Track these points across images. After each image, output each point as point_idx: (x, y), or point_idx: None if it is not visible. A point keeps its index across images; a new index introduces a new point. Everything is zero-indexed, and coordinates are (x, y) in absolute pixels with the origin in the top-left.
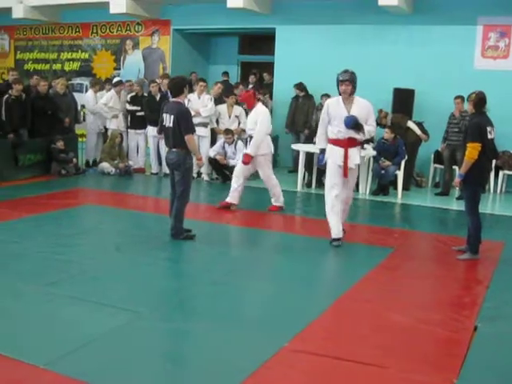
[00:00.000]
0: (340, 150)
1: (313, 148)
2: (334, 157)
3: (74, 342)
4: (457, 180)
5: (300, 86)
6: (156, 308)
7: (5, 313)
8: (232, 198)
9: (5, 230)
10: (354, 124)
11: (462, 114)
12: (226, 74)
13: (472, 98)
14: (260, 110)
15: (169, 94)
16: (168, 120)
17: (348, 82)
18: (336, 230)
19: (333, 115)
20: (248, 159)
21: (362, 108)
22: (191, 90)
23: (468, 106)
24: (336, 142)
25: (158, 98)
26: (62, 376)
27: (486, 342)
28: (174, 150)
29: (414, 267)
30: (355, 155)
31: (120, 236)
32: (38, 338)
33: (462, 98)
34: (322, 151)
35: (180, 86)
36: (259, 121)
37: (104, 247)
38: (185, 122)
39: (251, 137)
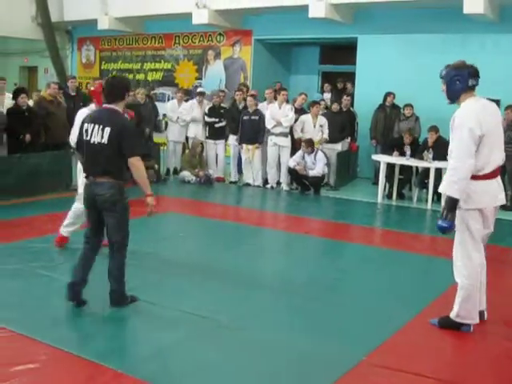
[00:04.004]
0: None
1: (394, 159)
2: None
3: (150, 348)
4: None
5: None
6: (235, 317)
7: (82, 317)
8: None
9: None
10: None
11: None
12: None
13: None
14: None
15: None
16: (96, 134)
17: None
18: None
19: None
20: None
21: None
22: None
23: None
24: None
25: (240, 107)
26: (138, 380)
27: None
28: (102, 180)
29: (499, 282)
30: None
31: (200, 244)
32: (113, 341)
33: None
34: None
35: (120, 88)
36: None
37: (183, 255)
38: (130, 139)
39: None
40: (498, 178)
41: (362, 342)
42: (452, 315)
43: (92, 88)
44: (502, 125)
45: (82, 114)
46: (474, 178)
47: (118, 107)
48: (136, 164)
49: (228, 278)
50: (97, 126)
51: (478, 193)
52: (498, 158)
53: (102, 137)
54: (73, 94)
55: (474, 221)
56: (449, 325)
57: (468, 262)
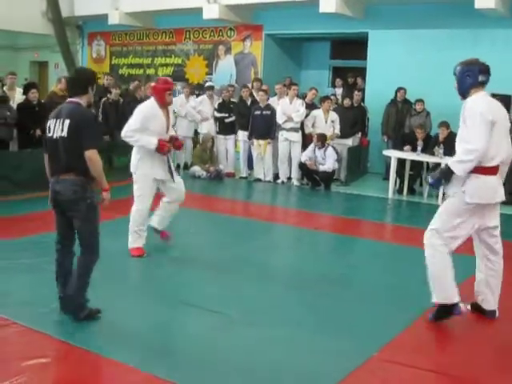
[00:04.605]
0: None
1: (405, 154)
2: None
3: (164, 343)
4: None
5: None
6: (245, 311)
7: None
8: None
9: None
10: None
11: None
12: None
13: None
14: None
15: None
16: (56, 128)
17: None
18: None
19: (498, 123)
20: None
21: None
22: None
23: None
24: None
25: (248, 102)
26: (153, 376)
27: None
28: (65, 177)
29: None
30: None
31: (211, 239)
32: (127, 337)
33: None
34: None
35: (82, 81)
36: None
37: (195, 250)
38: (88, 130)
39: None
40: (499, 176)
41: (372, 337)
42: (433, 300)
43: (153, 84)
44: (509, 124)
45: (144, 107)
46: (481, 171)
47: (82, 101)
48: (92, 157)
49: (238, 273)
50: (58, 121)
51: (483, 188)
52: (504, 152)
53: (62, 130)
54: None
55: (469, 213)
56: (440, 314)
57: (435, 241)
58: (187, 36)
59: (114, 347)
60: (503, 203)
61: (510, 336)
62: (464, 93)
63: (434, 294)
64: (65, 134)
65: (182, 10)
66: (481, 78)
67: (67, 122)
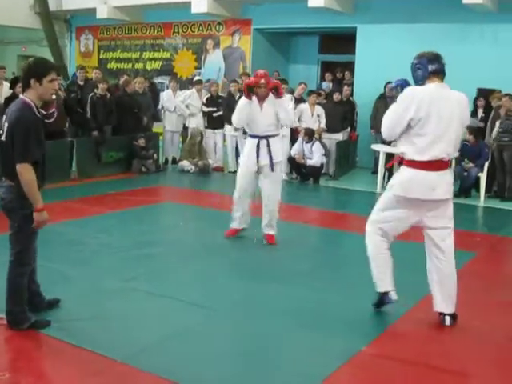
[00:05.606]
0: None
1: (393, 149)
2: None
3: (151, 337)
4: None
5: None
6: (233, 307)
7: (84, 306)
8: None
9: (87, 226)
10: None
11: (509, 113)
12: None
13: None
14: None
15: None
16: (3, 129)
17: None
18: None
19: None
20: None
21: None
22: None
23: None
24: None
25: (237, 97)
26: (139, 370)
27: None
28: (4, 182)
29: (497, 271)
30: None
31: (199, 235)
32: (116, 332)
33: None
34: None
35: (26, 74)
36: None
37: (183, 245)
38: (18, 139)
39: None
40: (442, 173)
41: (361, 332)
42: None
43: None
44: (461, 118)
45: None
46: (411, 164)
47: (29, 96)
48: (22, 173)
49: (226, 268)
50: (4, 121)
51: (410, 181)
52: (441, 149)
53: (3, 132)
54: (81, 83)
55: (401, 205)
56: (378, 301)
57: (370, 230)
58: (176, 30)
59: (101, 344)
60: (491, 197)
61: (499, 330)
62: (420, 85)
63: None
64: (3, 137)
65: (170, 4)
66: (431, 68)
67: (6, 124)
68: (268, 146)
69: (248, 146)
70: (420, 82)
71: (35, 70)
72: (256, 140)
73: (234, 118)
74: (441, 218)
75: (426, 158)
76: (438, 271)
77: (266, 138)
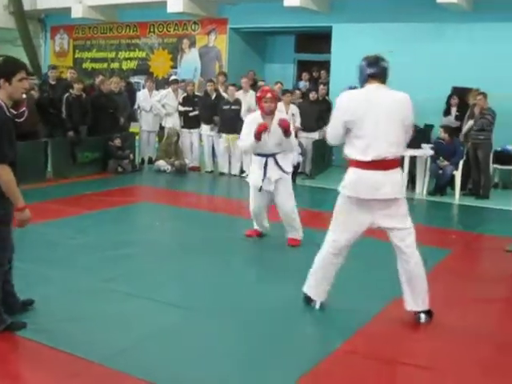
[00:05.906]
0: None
1: None
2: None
3: (128, 338)
4: None
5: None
6: (211, 306)
7: (61, 308)
8: None
9: (63, 227)
10: None
11: (483, 111)
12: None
13: None
14: None
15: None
16: None
17: None
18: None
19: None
20: None
21: None
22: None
23: None
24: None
25: (213, 97)
26: (117, 371)
27: None
28: None
29: (472, 268)
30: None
31: (176, 235)
32: (93, 333)
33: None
34: None
35: None
36: None
37: (160, 245)
38: None
39: None
40: (388, 172)
41: (336, 330)
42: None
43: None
44: (401, 119)
45: (250, 118)
46: (355, 165)
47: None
48: (1, 174)
49: (203, 268)
50: None
51: (356, 182)
52: (382, 148)
53: None
54: (53, 83)
55: (352, 208)
56: (304, 298)
57: (326, 247)
58: (151, 30)
59: (77, 345)
60: (466, 195)
61: (473, 326)
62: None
63: (306, 283)
64: None
65: (145, 4)
66: (369, 71)
67: None
68: (276, 162)
69: (256, 164)
70: (362, 84)
71: (4, 70)
72: (264, 159)
73: (245, 144)
74: (394, 218)
75: (369, 158)
76: (405, 271)
77: (273, 155)
